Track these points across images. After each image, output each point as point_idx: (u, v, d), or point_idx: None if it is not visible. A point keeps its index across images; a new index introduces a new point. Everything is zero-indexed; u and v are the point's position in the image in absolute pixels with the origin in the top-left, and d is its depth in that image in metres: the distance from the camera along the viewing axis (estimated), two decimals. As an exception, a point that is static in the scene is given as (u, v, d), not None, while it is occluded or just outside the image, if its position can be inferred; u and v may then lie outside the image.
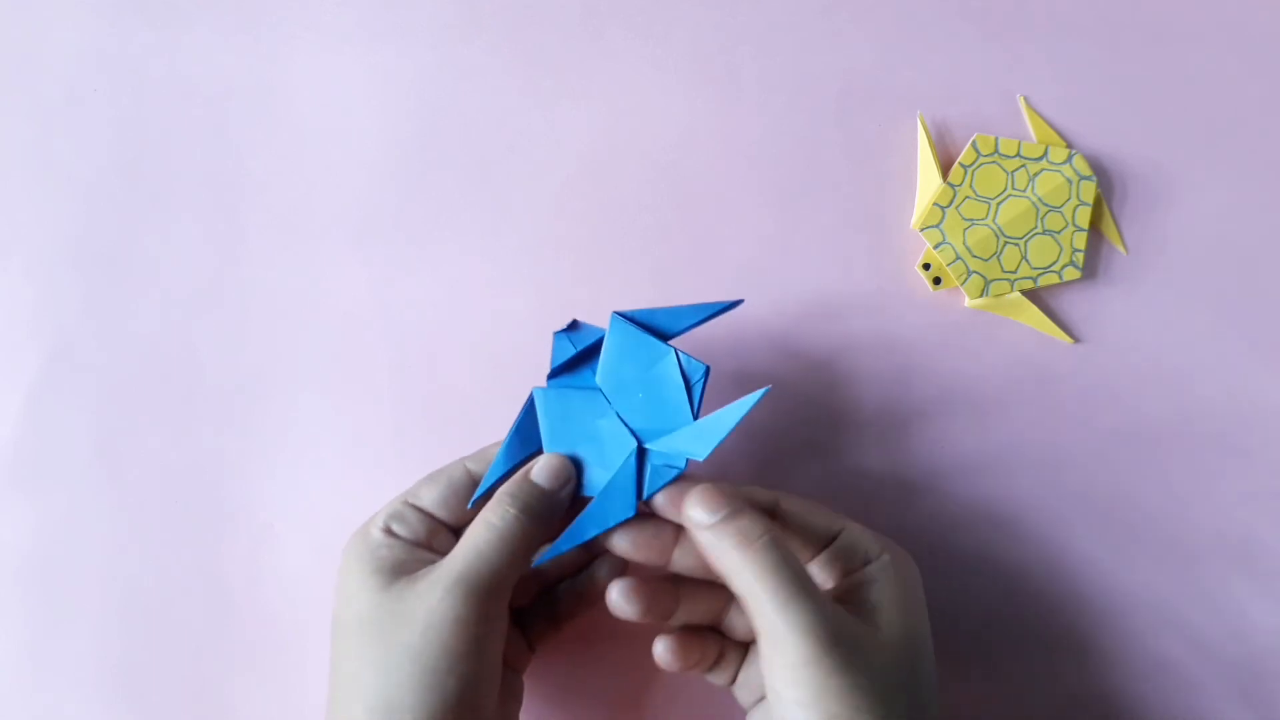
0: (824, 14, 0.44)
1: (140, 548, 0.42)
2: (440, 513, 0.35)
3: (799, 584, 0.30)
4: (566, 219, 0.43)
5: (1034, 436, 0.42)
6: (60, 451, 0.43)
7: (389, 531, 0.35)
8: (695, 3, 0.44)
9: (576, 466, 0.35)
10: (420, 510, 0.35)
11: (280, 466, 0.43)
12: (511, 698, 0.36)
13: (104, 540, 0.42)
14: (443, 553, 0.34)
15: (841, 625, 0.30)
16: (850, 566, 0.34)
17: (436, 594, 0.31)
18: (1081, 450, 0.42)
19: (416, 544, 0.34)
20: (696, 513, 0.32)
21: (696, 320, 0.36)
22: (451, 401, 0.42)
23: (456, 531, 0.36)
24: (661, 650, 0.34)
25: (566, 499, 0.34)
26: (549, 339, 0.37)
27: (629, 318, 0.36)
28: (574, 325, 0.37)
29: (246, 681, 0.41)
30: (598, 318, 0.37)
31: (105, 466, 0.43)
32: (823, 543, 0.35)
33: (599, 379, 0.35)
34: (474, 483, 0.36)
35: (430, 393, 0.43)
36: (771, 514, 0.35)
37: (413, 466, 0.42)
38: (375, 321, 0.43)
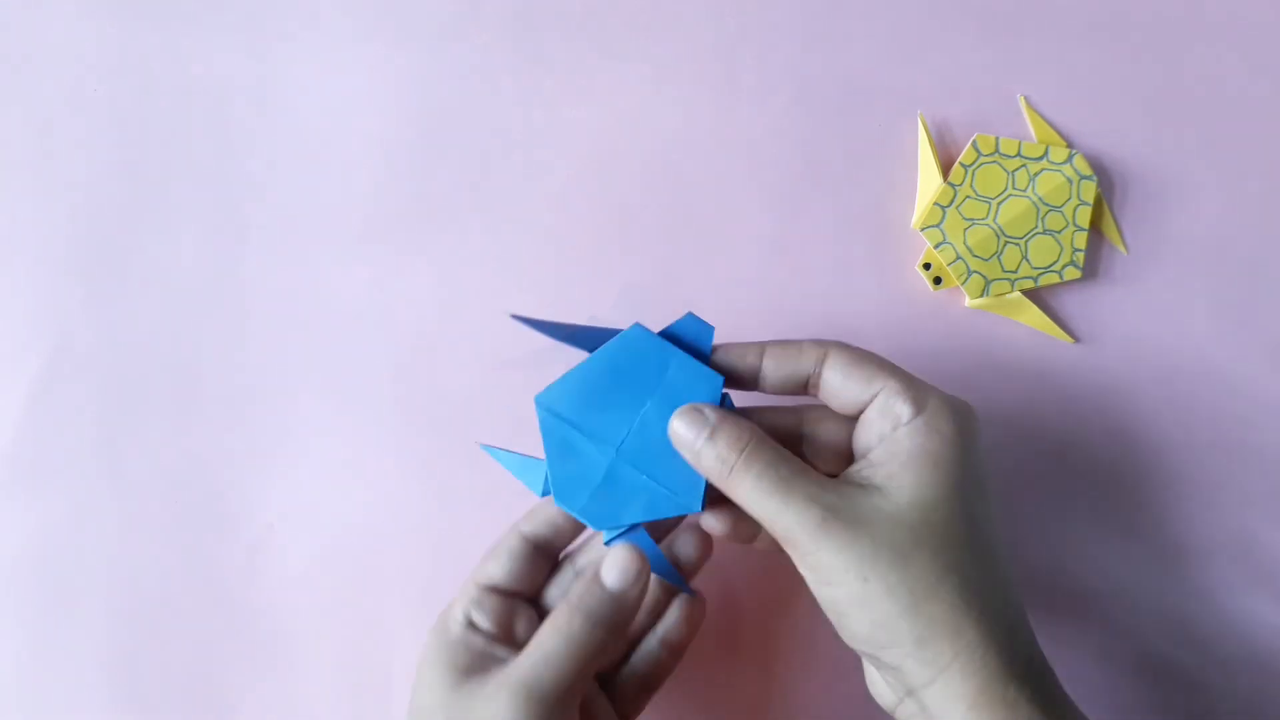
0: (824, 14, 0.44)
1: (140, 548, 0.42)
2: (516, 586, 0.36)
3: (779, 487, 0.31)
4: (566, 219, 0.43)
5: (1034, 436, 0.42)
6: (60, 451, 0.43)
7: (470, 624, 0.35)
8: (695, 3, 0.44)
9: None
10: (497, 591, 0.36)
11: (280, 467, 0.43)
12: None
13: (104, 540, 0.42)
14: (523, 640, 0.34)
15: (832, 505, 0.30)
16: (881, 433, 0.33)
17: (501, 701, 0.32)
18: (1081, 450, 0.42)
19: (495, 637, 0.35)
20: (679, 429, 0.33)
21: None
22: (451, 401, 0.42)
23: (534, 600, 0.37)
24: (710, 522, 0.35)
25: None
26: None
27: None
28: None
29: (246, 681, 0.41)
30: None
31: (105, 466, 0.43)
32: (858, 410, 0.33)
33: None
34: (534, 548, 0.36)
35: (430, 393, 0.43)
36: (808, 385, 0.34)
37: (413, 467, 0.42)
38: (375, 321, 0.43)
